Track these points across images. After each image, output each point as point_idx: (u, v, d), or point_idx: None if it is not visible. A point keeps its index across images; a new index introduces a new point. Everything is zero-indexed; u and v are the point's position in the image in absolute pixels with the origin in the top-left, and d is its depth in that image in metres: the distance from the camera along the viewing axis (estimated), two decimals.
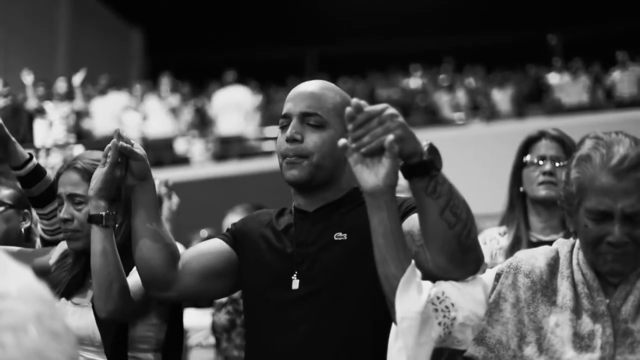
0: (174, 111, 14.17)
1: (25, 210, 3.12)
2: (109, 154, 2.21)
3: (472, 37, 20.72)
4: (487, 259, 3.01)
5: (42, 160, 9.67)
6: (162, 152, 13.66)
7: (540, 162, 3.03)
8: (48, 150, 10.72)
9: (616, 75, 14.34)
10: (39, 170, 2.80)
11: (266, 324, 2.17)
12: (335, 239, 2.14)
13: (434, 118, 15.05)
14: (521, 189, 3.09)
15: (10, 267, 1.15)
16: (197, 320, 4.80)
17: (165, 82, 14.61)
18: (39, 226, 2.95)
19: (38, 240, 3.09)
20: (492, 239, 3.11)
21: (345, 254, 2.11)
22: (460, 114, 15.22)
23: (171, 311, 2.59)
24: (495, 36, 20.71)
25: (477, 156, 12.14)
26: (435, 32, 21.32)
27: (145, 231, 2.22)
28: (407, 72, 16.95)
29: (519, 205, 3.09)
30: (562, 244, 1.96)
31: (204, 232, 6.03)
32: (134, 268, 2.41)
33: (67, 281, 2.61)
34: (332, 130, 2.16)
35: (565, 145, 3.02)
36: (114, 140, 2.20)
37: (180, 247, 2.41)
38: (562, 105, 14.26)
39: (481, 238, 3.10)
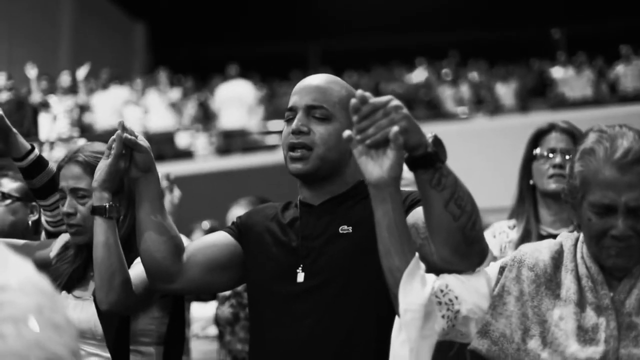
0: (174, 105, 14.17)
1: (33, 203, 3.12)
2: (114, 145, 2.21)
3: (475, 31, 20.70)
4: (496, 252, 2.99)
5: (46, 153, 9.69)
6: (163, 146, 13.65)
7: (551, 155, 3.00)
8: (52, 144, 10.73)
9: (620, 69, 14.32)
10: (41, 162, 2.78)
11: (271, 317, 2.17)
12: (341, 232, 2.15)
13: (437, 112, 15.04)
14: (531, 181, 3.07)
15: (10, 259, 1.15)
16: (194, 311, 4.80)
17: (163, 77, 14.60)
18: (43, 218, 2.95)
19: (43, 232, 3.09)
20: (501, 232, 3.09)
21: (351, 247, 2.11)
22: (464, 108, 15.20)
23: (173, 304, 2.59)
24: (499, 31, 20.68)
25: (481, 150, 12.14)
26: (439, 27, 21.29)
27: (149, 223, 2.22)
28: (410, 67, 16.92)
29: (528, 198, 3.07)
30: (566, 238, 1.96)
31: (205, 224, 6.04)
32: (136, 260, 2.41)
33: (69, 274, 2.60)
34: (338, 123, 2.16)
35: (575, 138, 2.99)
36: (119, 132, 2.20)
37: (184, 239, 2.40)
38: (566, 99, 14.24)
39: (490, 231, 3.09)
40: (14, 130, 2.74)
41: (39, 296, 1.10)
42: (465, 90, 15.49)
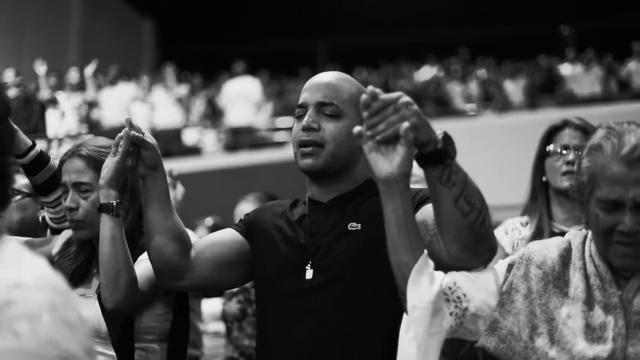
0: (181, 101, 14.17)
1: None
2: (121, 143, 2.20)
3: (484, 28, 20.66)
4: (508, 249, 2.97)
5: (54, 150, 9.72)
6: (170, 142, 13.66)
7: (564, 152, 2.97)
8: (60, 141, 10.75)
9: (632, 66, 14.27)
10: (42, 158, 2.74)
11: (279, 314, 2.17)
12: (350, 229, 2.15)
13: (446, 109, 15.02)
14: (544, 178, 3.04)
15: (25, 256, 1.15)
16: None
17: (170, 73, 14.60)
18: (46, 215, 2.91)
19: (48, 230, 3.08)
20: (514, 229, 3.07)
21: (359, 244, 2.12)
22: (472, 105, 15.18)
23: (176, 301, 2.58)
24: (508, 28, 20.64)
25: (489, 147, 12.11)
26: (447, 24, 21.26)
27: (157, 221, 2.22)
28: (420, 63, 16.90)
29: (541, 195, 3.04)
30: (574, 235, 1.95)
31: (209, 220, 6.03)
32: (140, 257, 2.41)
33: (71, 271, 2.57)
34: (348, 121, 2.17)
35: (589, 134, 2.96)
36: (126, 129, 2.19)
37: (191, 234, 2.40)
38: (574, 96, 14.21)
39: (503, 228, 3.07)
40: (15, 126, 2.72)
41: (53, 293, 1.10)
42: (473, 87, 15.47)
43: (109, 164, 2.25)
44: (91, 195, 2.49)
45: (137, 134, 2.19)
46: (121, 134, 2.20)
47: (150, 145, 2.21)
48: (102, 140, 2.57)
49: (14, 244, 1.19)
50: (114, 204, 2.26)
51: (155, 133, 12.51)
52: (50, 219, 2.86)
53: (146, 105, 13.74)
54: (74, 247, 2.63)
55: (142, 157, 2.23)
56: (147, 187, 2.25)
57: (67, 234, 2.70)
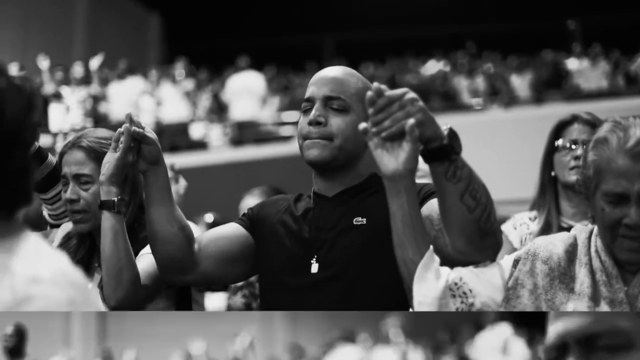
0: (189, 95, 14.15)
1: None
2: (122, 139, 2.18)
3: (491, 23, 20.62)
4: (517, 244, 2.97)
5: (59, 145, 9.73)
6: (177, 137, 13.65)
7: (573, 147, 2.97)
8: (65, 135, 10.76)
9: None
10: (40, 154, 2.69)
11: (284, 308, 2.16)
12: (355, 223, 2.15)
13: (452, 104, 14.98)
14: (552, 173, 3.04)
15: (44, 251, 1.14)
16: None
17: (179, 67, 14.59)
18: (44, 212, 2.87)
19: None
20: (522, 224, 3.06)
21: (364, 238, 2.12)
22: (479, 99, 15.14)
23: (178, 295, 2.57)
24: (514, 22, 20.59)
25: (495, 142, 12.08)
26: (454, 19, 21.23)
27: (160, 216, 2.21)
28: (426, 58, 16.87)
29: (550, 190, 3.03)
30: (580, 231, 1.95)
31: (209, 217, 5.98)
32: (141, 252, 2.40)
33: None
34: (355, 115, 2.17)
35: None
36: (126, 124, 2.17)
37: (193, 227, 2.38)
38: (581, 91, 14.16)
39: (511, 223, 3.08)
40: None
41: (71, 289, 1.09)
42: (480, 81, 15.42)
43: (110, 160, 2.24)
44: (92, 187, 2.46)
45: (137, 129, 2.18)
46: (121, 129, 2.19)
47: (150, 140, 2.20)
48: (103, 132, 2.54)
49: (35, 238, 1.18)
50: (115, 200, 2.25)
51: (162, 127, 12.53)
52: (49, 215, 2.82)
53: (154, 100, 13.73)
54: (74, 240, 2.61)
55: (143, 152, 2.21)
56: (148, 182, 2.23)
57: (66, 227, 2.67)
